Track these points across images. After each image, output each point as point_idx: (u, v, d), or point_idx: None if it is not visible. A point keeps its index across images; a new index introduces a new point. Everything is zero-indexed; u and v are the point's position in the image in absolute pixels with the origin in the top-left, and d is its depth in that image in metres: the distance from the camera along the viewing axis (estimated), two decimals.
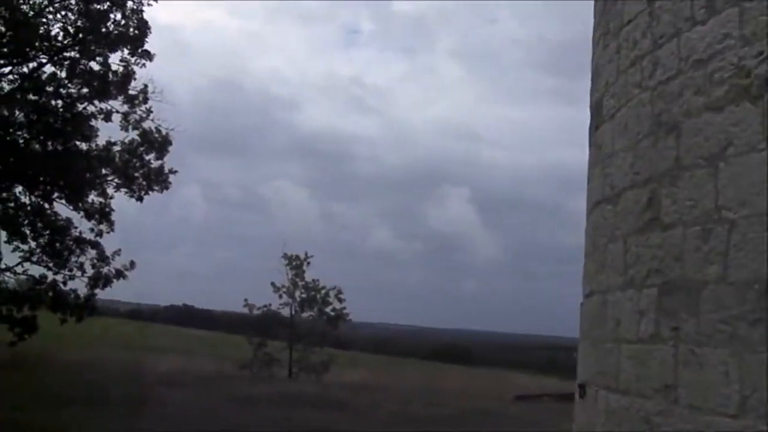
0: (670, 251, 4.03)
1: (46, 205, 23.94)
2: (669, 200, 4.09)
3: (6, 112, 22.61)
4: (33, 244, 23.79)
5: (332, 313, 31.51)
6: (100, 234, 24.05)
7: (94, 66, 22.83)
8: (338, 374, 28.63)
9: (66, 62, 22.69)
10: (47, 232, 23.79)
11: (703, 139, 3.82)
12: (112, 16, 22.36)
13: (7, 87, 22.71)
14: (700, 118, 3.85)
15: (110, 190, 24.16)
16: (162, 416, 15.22)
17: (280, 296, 31.24)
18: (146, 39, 22.84)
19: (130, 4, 22.58)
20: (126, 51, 22.80)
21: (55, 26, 22.34)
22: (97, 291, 24.20)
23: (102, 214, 23.95)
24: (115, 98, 23.18)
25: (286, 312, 31.56)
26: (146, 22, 22.78)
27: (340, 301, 31.58)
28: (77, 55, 22.70)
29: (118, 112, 23.38)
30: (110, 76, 22.73)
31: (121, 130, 23.66)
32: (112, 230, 24.32)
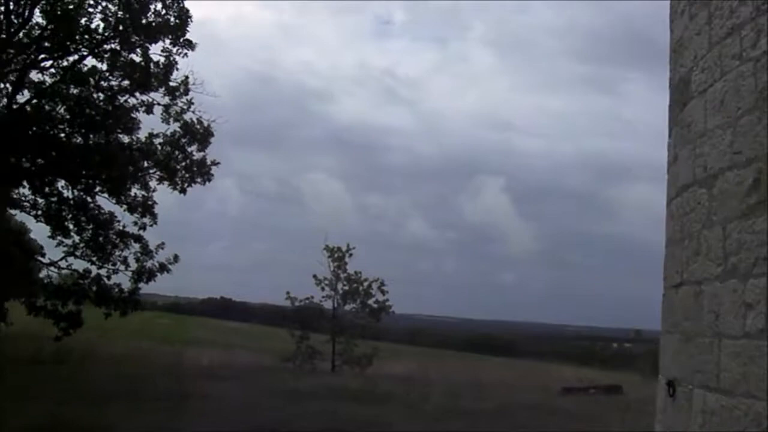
0: None
1: (89, 199, 24.02)
2: None
3: (48, 107, 22.64)
4: (76, 238, 23.95)
5: (375, 306, 31.28)
6: (143, 227, 24.10)
7: (135, 58, 22.80)
8: (380, 367, 28.42)
9: (107, 54, 22.63)
10: (90, 226, 23.88)
11: None
12: (152, 6, 22.23)
13: (48, 81, 22.72)
14: None
15: (152, 183, 24.21)
16: (206, 411, 15.13)
17: (322, 288, 31.11)
18: (187, 28, 22.70)
19: None
20: (167, 41, 22.68)
21: (95, 18, 22.25)
22: (140, 285, 24.26)
23: (145, 208, 23.94)
24: (157, 90, 23.11)
25: (328, 304, 31.46)
26: (187, 11, 22.64)
27: (383, 293, 31.37)
28: (118, 47, 22.61)
29: (159, 104, 23.35)
30: (151, 67, 22.65)
31: (162, 122, 23.67)
32: (155, 223, 24.33)
